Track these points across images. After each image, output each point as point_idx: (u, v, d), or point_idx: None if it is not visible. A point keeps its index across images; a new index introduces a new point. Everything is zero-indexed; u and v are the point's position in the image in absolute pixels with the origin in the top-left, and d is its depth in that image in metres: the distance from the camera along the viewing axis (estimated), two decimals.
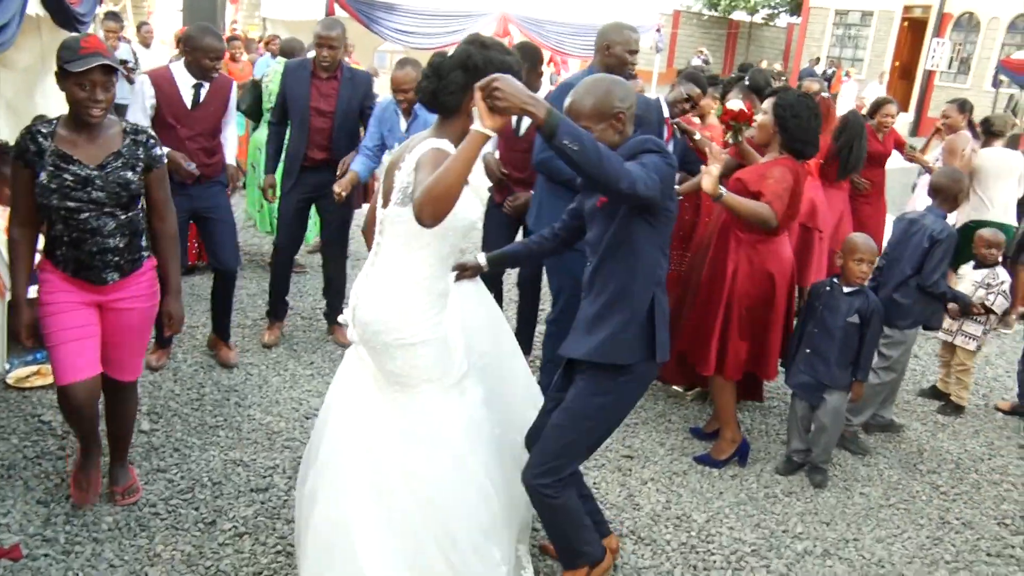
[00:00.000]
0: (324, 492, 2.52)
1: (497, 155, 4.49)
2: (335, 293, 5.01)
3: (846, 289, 3.74)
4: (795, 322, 3.96)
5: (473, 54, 2.40)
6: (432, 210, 2.05)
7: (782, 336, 3.85)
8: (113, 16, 8.35)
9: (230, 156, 4.50)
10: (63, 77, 2.69)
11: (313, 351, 4.84)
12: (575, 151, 2.08)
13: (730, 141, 4.17)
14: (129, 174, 2.85)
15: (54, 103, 5.89)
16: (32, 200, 2.81)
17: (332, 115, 4.61)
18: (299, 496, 2.72)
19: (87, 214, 2.80)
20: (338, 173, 4.56)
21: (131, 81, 7.80)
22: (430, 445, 2.49)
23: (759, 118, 3.87)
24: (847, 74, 20.34)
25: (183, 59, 4.27)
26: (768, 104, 3.80)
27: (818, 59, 22.82)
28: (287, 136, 4.74)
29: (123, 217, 2.88)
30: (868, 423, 4.32)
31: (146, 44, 8.71)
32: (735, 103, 4.18)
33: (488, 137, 2.08)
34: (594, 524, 2.84)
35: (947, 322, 4.60)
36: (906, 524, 3.59)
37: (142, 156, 2.90)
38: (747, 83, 5.05)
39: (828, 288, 3.79)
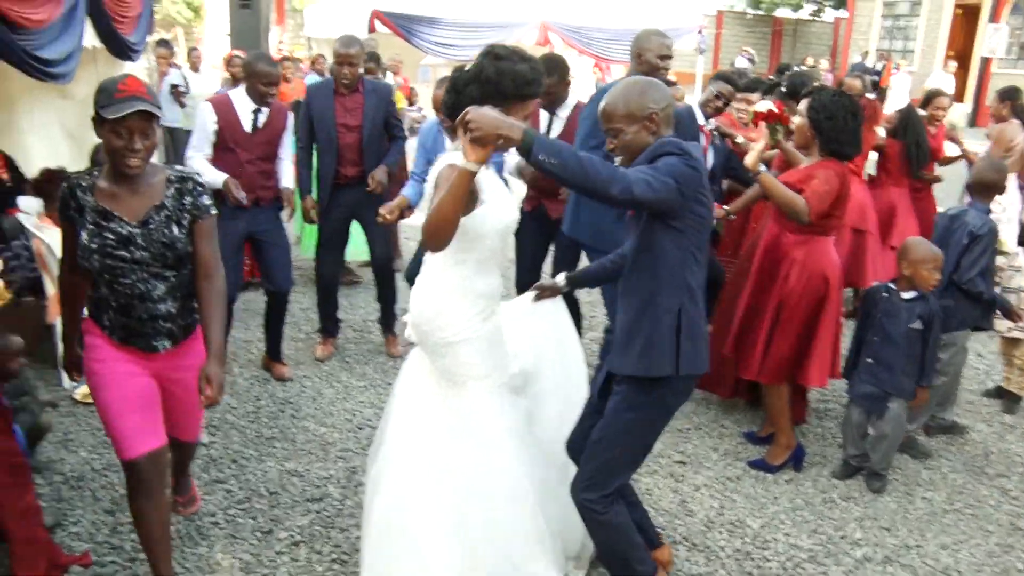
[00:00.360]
0: (385, 480, 2.66)
1: None
2: (387, 304, 5.07)
3: (905, 295, 3.64)
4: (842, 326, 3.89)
5: (486, 66, 2.46)
6: (433, 243, 2.27)
7: (832, 341, 3.79)
8: (164, 43, 8.61)
9: (285, 179, 4.55)
10: (98, 123, 2.42)
11: (365, 363, 4.90)
12: (554, 164, 2.12)
13: (773, 140, 4.13)
14: (174, 230, 2.54)
15: None
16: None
17: (359, 129, 4.65)
18: (367, 482, 2.88)
19: (133, 276, 2.53)
20: (368, 188, 4.60)
21: (182, 105, 8.04)
22: (476, 441, 2.60)
23: (796, 120, 3.84)
24: (897, 66, 19.91)
25: (243, 85, 4.38)
26: (803, 106, 3.75)
27: (867, 53, 22.39)
28: (314, 156, 4.79)
29: (174, 278, 2.59)
30: (929, 425, 4.23)
31: (196, 68, 8.92)
32: (763, 103, 4.13)
33: (474, 172, 2.18)
34: (643, 533, 2.80)
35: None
36: (973, 530, 3.49)
37: (188, 207, 2.57)
38: (783, 89, 4.99)
39: (886, 294, 3.68)
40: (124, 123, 2.37)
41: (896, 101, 18.81)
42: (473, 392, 2.60)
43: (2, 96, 5.87)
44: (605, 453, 2.57)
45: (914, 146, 5.41)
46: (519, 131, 2.12)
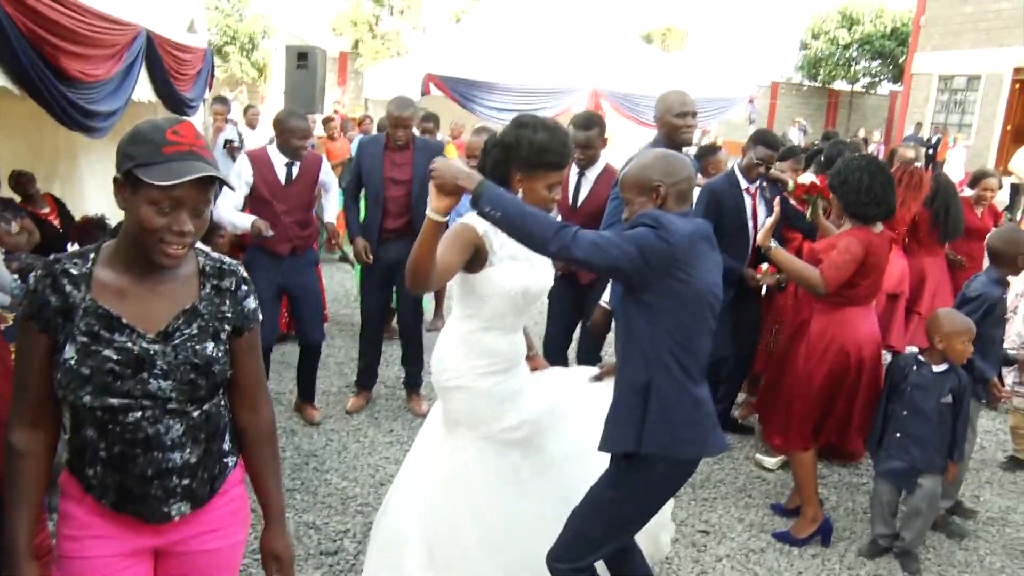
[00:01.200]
0: (390, 504, 2.89)
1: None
2: (412, 362, 5.10)
3: (936, 368, 3.54)
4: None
5: (507, 132, 2.59)
6: (409, 282, 2.34)
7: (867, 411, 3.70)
8: (221, 100, 8.95)
9: (330, 215, 4.84)
10: (129, 188, 1.63)
11: (394, 419, 4.92)
12: (496, 216, 2.22)
13: (808, 217, 4.12)
14: (210, 347, 1.76)
15: None
16: (48, 387, 1.70)
17: (408, 183, 4.72)
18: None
19: (139, 415, 1.70)
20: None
21: (235, 159, 8.31)
22: (452, 484, 2.72)
23: None
24: (954, 140, 19.68)
25: (276, 141, 4.55)
26: None
27: (919, 124, 22.19)
28: (362, 209, 4.92)
29: (197, 415, 1.77)
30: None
31: (252, 126, 9.25)
32: (806, 176, 4.13)
33: (436, 221, 2.25)
34: None
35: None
36: None
37: (230, 313, 1.81)
38: (822, 159, 4.95)
39: (915, 367, 3.58)
40: (174, 192, 1.60)
41: (952, 175, 18.58)
42: (459, 436, 2.73)
43: (65, 146, 6.17)
44: (579, 524, 2.51)
45: (943, 213, 5.32)
46: (474, 182, 2.23)
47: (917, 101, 24.64)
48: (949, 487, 3.81)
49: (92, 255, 1.72)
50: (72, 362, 1.65)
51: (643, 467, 2.40)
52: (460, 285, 2.63)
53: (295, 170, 4.53)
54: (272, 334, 4.75)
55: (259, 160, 4.50)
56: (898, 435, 3.55)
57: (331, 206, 4.99)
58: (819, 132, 25.74)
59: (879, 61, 28.76)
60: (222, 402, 1.86)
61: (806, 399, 3.63)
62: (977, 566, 3.68)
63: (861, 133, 19.82)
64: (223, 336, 1.80)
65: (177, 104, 5.75)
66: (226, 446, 1.89)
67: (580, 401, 2.89)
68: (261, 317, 1.91)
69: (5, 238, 4.32)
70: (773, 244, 3.65)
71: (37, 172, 5.32)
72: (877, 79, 29.77)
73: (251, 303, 1.87)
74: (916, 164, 5.93)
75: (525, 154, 2.53)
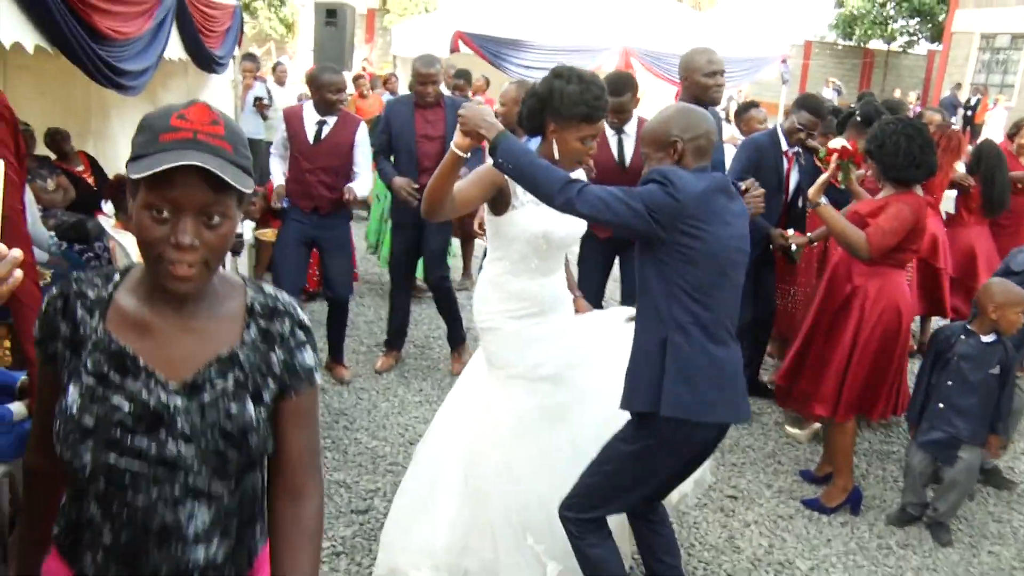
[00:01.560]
0: (422, 447, 3.00)
1: None
2: (450, 318, 5.12)
3: (985, 339, 3.48)
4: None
5: (543, 82, 2.62)
6: (424, 208, 2.49)
7: (902, 376, 3.67)
8: (250, 57, 8.93)
9: (360, 189, 4.53)
10: (132, 187, 1.28)
11: (424, 379, 4.95)
12: (509, 168, 2.32)
13: (841, 182, 4.04)
14: (249, 408, 1.36)
15: None
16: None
17: (441, 139, 4.70)
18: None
19: (154, 491, 1.31)
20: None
21: (265, 117, 8.31)
22: (479, 423, 2.80)
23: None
24: (995, 101, 19.18)
25: (312, 99, 4.55)
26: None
27: (959, 85, 21.64)
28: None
29: (228, 498, 1.38)
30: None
31: (281, 83, 9.23)
32: (837, 141, 4.04)
33: (456, 156, 2.39)
34: (656, 561, 2.67)
35: None
36: None
37: (277, 366, 1.40)
38: (858, 118, 4.80)
39: (963, 337, 3.52)
40: (167, 188, 1.22)
41: (993, 137, 18.15)
42: (491, 376, 2.84)
43: (97, 103, 6.18)
44: (591, 476, 2.51)
45: (989, 184, 5.19)
46: (495, 131, 2.33)
47: (957, 61, 24.02)
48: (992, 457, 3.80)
49: (117, 276, 1.38)
50: (74, 408, 1.29)
51: (663, 428, 2.35)
52: (489, 227, 2.73)
53: (325, 129, 4.51)
54: (296, 285, 4.71)
55: (292, 116, 4.57)
56: (941, 406, 3.50)
57: (360, 180, 4.61)
58: (853, 92, 25.24)
59: (917, 19, 28.01)
60: (259, 481, 1.45)
61: (862, 366, 3.55)
62: (1011, 537, 3.65)
63: (897, 94, 19.37)
64: (266, 396, 1.38)
65: (206, 61, 5.72)
66: (257, 532, 1.47)
67: (615, 339, 2.89)
68: (319, 380, 1.47)
69: (42, 195, 4.36)
70: (823, 200, 3.58)
71: (70, 130, 5.35)
72: (915, 38, 29.01)
73: (308, 358, 1.43)
74: (951, 127, 5.79)
75: (557, 104, 2.55)
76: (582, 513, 2.50)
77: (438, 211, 2.47)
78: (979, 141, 5.65)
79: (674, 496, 2.95)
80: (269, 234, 5.71)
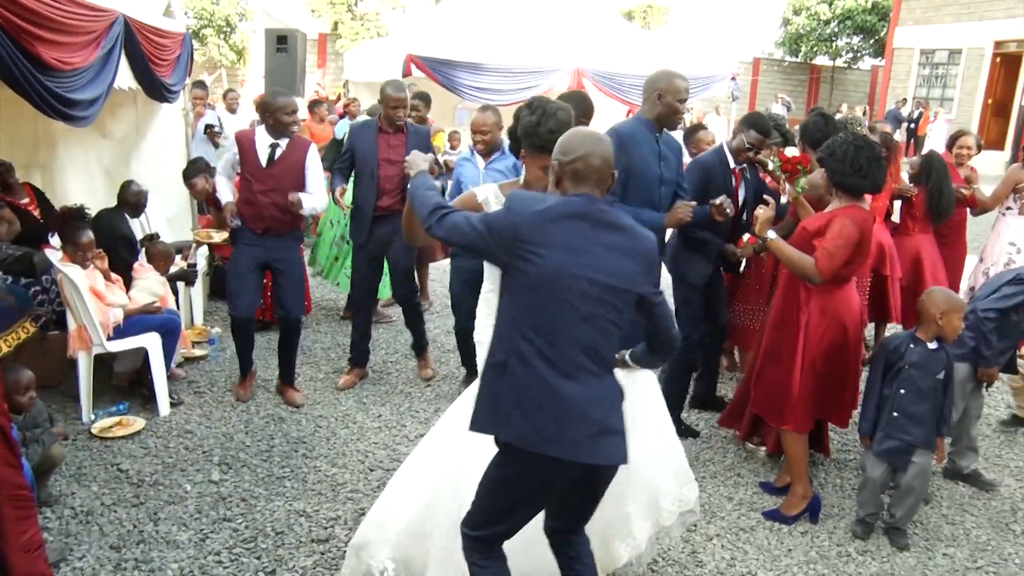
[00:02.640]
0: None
1: None
2: (416, 333, 5.35)
3: (931, 346, 3.57)
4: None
5: (516, 113, 2.89)
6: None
7: (856, 384, 3.75)
8: (200, 84, 8.85)
9: (307, 208, 4.59)
10: None
11: (382, 404, 4.91)
12: (412, 198, 2.57)
13: (797, 190, 4.12)
14: None
15: (146, 169, 6.27)
16: None
17: (401, 163, 4.68)
18: None
19: None
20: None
21: (217, 145, 8.24)
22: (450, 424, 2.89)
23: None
24: (935, 114, 19.74)
25: (264, 123, 4.64)
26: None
27: (904, 100, 22.24)
28: (352, 187, 5.03)
29: None
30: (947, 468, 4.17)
31: (232, 110, 9.17)
32: (791, 150, 4.14)
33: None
34: None
35: None
36: None
37: None
38: (799, 137, 4.94)
39: (912, 345, 3.59)
40: None
41: (935, 148, 18.65)
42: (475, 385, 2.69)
43: (45, 135, 6.06)
44: (476, 495, 2.46)
45: (936, 193, 5.34)
46: (414, 171, 2.69)
47: (899, 75, 24.69)
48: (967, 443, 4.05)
49: None
50: None
51: (511, 454, 2.30)
52: None
53: (278, 152, 4.59)
54: (251, 308, 4.78)
55: (244, 139, 4.66)
56: (896, 414, 3.56)
57: (309, 198, 4.61)
58: (802, 107, 25.83)
59: (860, 36, 28.72)
60: None
61: (811, 381, 3.64)
62: (964, 539, 3.72)
63: (844, 108, 19.83)
64: None
65: (157, 90, 5.66)
66: None
67: None
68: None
69: None
70: (771, 235, 3.66)
71: (17, 162, 5.24)
72: (859, 54, 29.76)
73: None
74: (896, 139, 5.96)
75: (521, 134, 2.78)
76: (472, 530, 2.45)
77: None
78: (925, 152, 5.80)
79: (602, 554, 2.89)
80: (203, 234, 5.67)
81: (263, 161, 4.58)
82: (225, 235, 5.26)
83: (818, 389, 3.68)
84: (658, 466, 3.03)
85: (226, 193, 4.74)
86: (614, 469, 2.39)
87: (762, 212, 3.71)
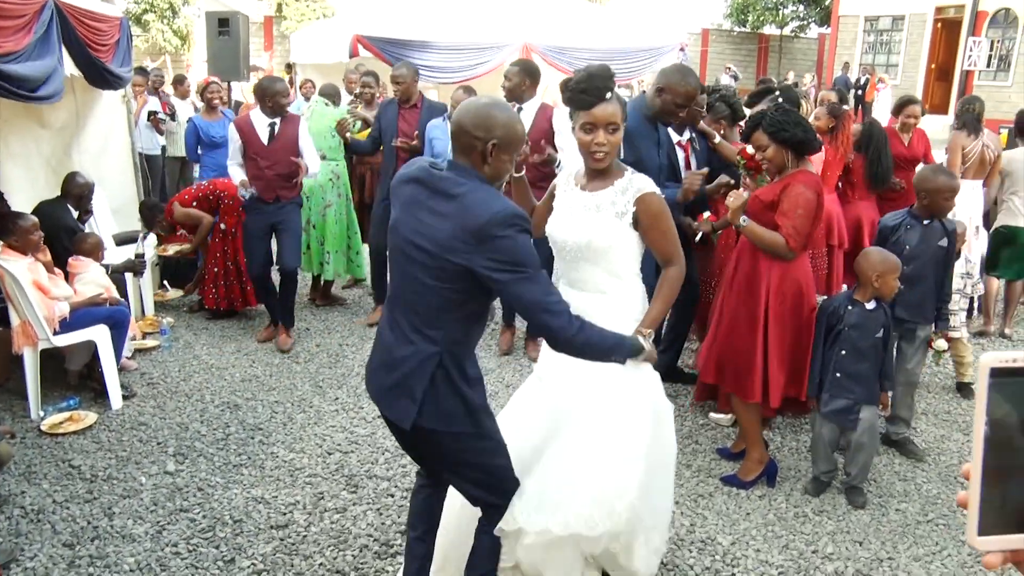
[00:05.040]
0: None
1: None
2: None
3: (869, 306, 3.63)
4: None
5: None
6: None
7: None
8: (140, 71, 8.63)
9: (312, 167, 5.38)
10: None
11: (339, 387, 4.87)
12: None
13: (758, 183, 4.13)
14: None
15: (89, 160, 6.11)
16: None
17: (415, 136, 5.57)
18: None
19: None
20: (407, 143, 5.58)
21: (161, 132, 8.06)
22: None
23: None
24: (881, 80, 20.02)
25: (259, 106, 5.29)
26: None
27: (847, 65, 22.51)
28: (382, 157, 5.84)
29: None
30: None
31: (184, 97, 8.98)
32: (751, 147, 4.14)
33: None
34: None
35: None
36: (946, 541, 3.46)
37: None
38: (724, 106, 4.92)
39: (851, 307, 3.64)
40: None
41: (881, 115, 18.94)
42: None
43: None
44: None
45: (876, 161, 5.42)
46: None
47: (845, 43, 25.01)
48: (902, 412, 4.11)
49: None
50: None
51: None
52: None
53: (276, 129, 5.23)
54: (265, 267, 5.41)
55: (244, 125, 5.27)
56: (838, 375, 3.62)
57: (311, 161, 5.35)
58: (751, 77, 26.01)
59: (806, 4, 29.02)
60: None
61: (781, 354, 3.65)
62: (915, 494, 3.82)
63: (792, 76, 20.03)
64: None
65: (101, 77, 5.52)
66: None
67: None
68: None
69: None
70: (744, 221, 3.61)
71: None
72: (805, 22, 30.07)
73: None
74: (844, 107, 6.00)
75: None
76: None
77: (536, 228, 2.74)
78: (867, 120, 5.86)
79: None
80: (160, 250, 6.11)
81: (264, 140, 5.22)
82: (181, 247, 6.10)
83: (786, 361, 3.69)
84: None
85: (240, 174, 5.27)
86: (428, 436, 2.37)
87: (732, 199, 3.65)
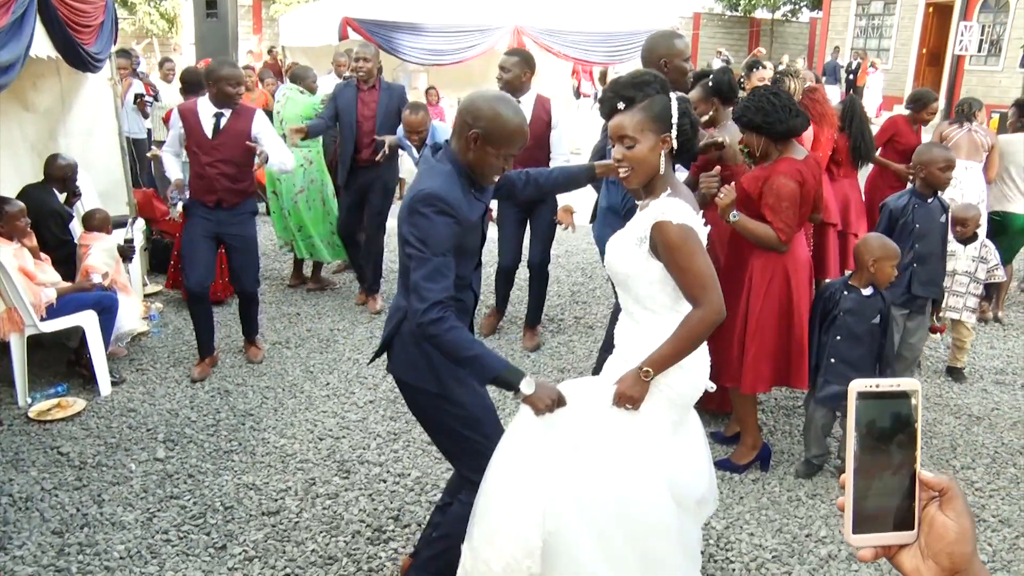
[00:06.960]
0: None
1: None
2: (374, 266, 5.91)
3: (866, 292, 3.61)
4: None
5: None
6: None
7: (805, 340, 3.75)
8: (124, 53, 8.51)
9: (273, 161, 4.71)
10: None
11: (330, 372, 4.84)
12: None
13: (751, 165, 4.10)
14: None
15: (76, 143, 6.03)
16: None
17: (374, 119, 5.48)
18: None
19: None
20: (379, 158, 5.44)
21: (146, 115, 7.97)
22: None
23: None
24: (872, 65, 19.99)
25: (207, 93, 4.59)
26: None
27: (837, 49, 22.46)
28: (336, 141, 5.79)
29: None
30: None
31: (167, 80, 8.88)
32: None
33: None
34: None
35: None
36: None
37: None
38: (710, 84, 4.86)
39: (847, 293, 3.62)
40: None
41: (873, 99, 18.92)
42: None
43: None
44: None
45: (859, 136, 5.40)
46: None
47: (836, 27, 24.93)
48: None
49: None
50: None
51: None
52: None
53: (223, 122, 4.52)
54: (205, 281, 4.65)
55: (187, 112, 4.58)
56: (833, 360, 3.60)
57: (274, 154, 4.68)
58: (742, 62, 25.90)
59: None
60: None
61: (761, 339, 3.62)
62: None
63: (786, 59, 19.96)
64: None
65: (80, 59, 5.42)
66: None
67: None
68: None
69: None
70: (735, 216, 3.51)
71: None
72: (797, 6, 29.97)
73: None
74: (816, 85, 5.97)
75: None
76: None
77: None
78: (845, 98, 5.85)
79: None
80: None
81: (208, 132, 4.51)
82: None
83: (770, 348, 3.65)
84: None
85: (175, 170, 4.68)
86: (403, 390, 2.64)
87: (723, 196, 3.54)
